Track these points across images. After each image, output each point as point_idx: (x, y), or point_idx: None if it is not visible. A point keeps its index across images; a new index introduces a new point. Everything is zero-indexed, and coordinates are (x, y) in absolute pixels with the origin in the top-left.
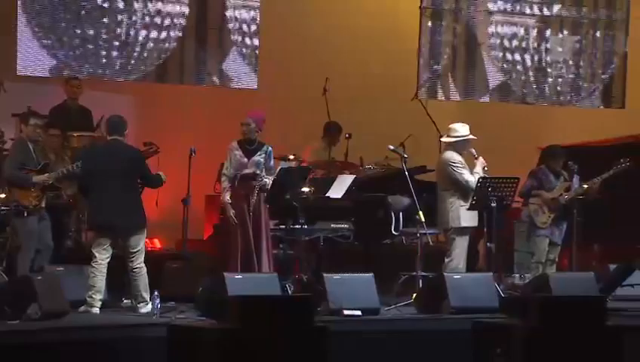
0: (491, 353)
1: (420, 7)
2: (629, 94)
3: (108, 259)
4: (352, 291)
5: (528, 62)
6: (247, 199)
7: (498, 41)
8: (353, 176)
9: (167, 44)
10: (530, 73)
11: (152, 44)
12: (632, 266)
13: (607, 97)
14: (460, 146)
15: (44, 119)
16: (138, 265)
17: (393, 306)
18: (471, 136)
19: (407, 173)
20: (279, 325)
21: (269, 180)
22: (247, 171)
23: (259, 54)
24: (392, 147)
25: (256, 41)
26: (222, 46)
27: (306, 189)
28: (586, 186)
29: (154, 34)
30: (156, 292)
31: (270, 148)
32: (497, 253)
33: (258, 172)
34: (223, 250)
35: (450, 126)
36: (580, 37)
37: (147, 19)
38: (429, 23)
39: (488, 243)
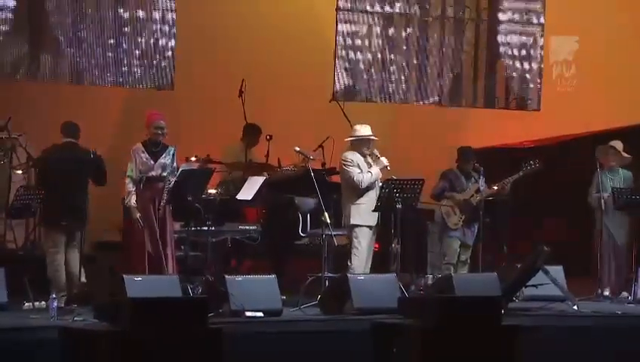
0: (389, 353)
1: (335, 8)
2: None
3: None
4: (254, 292)
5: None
6: (154, 201)
7: (416, 44)
8: (263, 178)
9: None
10: (445, 77)
11: None
12: (536, 266)
13: (524, 100)
14: (359, 145)
15: None
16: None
17: (296, 308)
18: (371, 137)
19: (312, 174)
20: (172, 327)
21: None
22: (153, 173)
23: (175, 55)
24: (297, 149)
25: (172, 42)
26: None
27: (213, 191)
28: (495, 187)
29: None
30: (53, 295)
31: (174, 149)
32: (410, 254)
33: (164, 174)
34: (127, 253)
35: (353, 127)
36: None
37: None
38: (345, 25)
39: (393, 245)
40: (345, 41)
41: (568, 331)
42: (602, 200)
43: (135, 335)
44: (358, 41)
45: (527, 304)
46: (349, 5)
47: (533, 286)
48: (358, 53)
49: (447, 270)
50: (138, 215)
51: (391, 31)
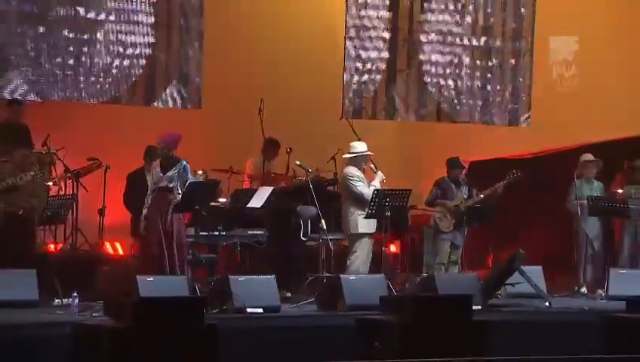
0: (372, 346)
1: (344, 36)
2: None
3: None
4: (254, 291)
5: (450, 84)
6: (161, 210)
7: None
8: (272, 188)
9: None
10: (447, 94)
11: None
12: (513, 267)
13: (515, 116)
14: (358, 161)
15: None
16: None
17: (294, 305)
18: (368, 153)
19: (311, 185)
20: (171, 323)
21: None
22: (161, 185)
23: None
24: (298, 162)
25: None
26: (168, 70)
27: (222, 200)
28: (482, 195)
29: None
30: (75, 294)
31: (185, 163)
32: (405, 255)
33: (171, 186)
34: (142, 255)
35: (350, 144)
36: (492, 63)
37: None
38: (353, 49)
39: (383, 248)
40: (353, 64)
41: (538, 325)
42: (578, 207)
43: (137, 330)
44: (365, 65)
45: (508, 301)
46: (357, 32)
47: (510, 284)
48: (366, 75)
49: (439, 269)
50: (144, 223)
51: (396, 55)
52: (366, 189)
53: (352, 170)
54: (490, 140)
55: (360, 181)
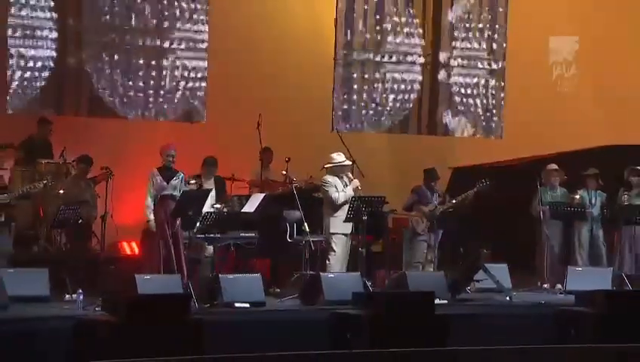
0: (344, 337)
1: (334, 58)
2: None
3: None
4: (242, 288)
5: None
6: (166, 215)
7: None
8: (263, 195)
9: None
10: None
11: None
12: (477, 265)
13: (489, 129)
14: (336, 170)
15: None
16: None
17: (280, 300)
18: (345, 163)
19: (295, 192)
20: (160, 318)
21: None
22: (165, 193)
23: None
24: (284, 172)
25: (204, 83)
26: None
27: (217, 206)
28: (454, 201)
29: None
30: (80, 290)
31: (183, 174)
32: (387, 254)
33: (175, 194)
34: (146, 254)
35: (330, 155)
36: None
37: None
38: (341, 71)
39: (360, 248)
40: (341, 84)
41: (498, 317)
42: (541, 212)
43: (130, 324)
44: (352, 84)
45: (475, 295)
46: (344, 56)
47: (476, 281)
48: (352, 93)
49: (416, 268)
50: (151, 221)
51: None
52: (335, 194)
53: (327, 178)
54: (488, 146)
55: (331, 186)
